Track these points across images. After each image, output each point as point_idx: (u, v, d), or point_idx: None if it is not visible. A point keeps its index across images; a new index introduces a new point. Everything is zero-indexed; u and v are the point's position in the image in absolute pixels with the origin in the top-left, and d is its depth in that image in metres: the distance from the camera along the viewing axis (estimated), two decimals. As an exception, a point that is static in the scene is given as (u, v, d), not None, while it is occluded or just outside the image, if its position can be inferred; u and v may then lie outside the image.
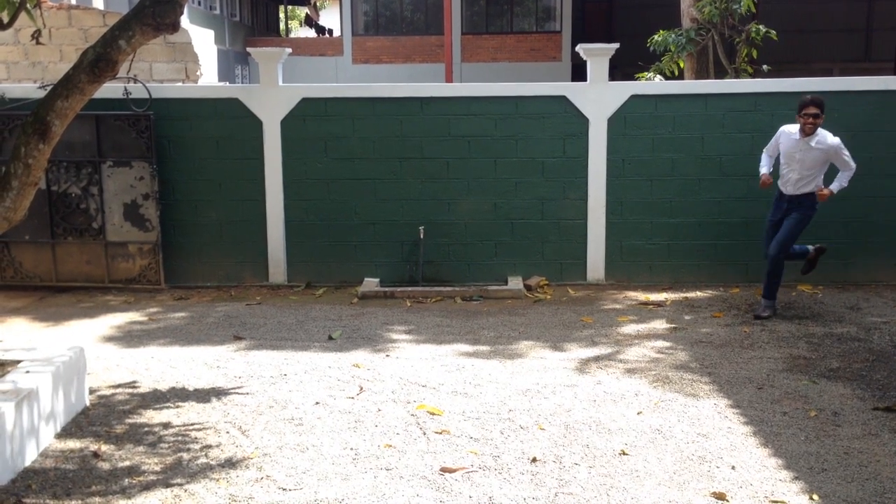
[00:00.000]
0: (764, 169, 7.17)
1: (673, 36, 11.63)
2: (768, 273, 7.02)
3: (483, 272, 8.32)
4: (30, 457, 4.31)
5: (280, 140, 8.20)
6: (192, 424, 4.84)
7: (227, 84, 15.70)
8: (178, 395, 5.33)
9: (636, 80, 11.34)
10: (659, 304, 7.57)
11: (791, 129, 6.95)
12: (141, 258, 8.19)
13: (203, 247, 8.35)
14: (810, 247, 7.23)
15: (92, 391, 5.35)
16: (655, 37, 11.78)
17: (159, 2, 4.34)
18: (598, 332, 6.71)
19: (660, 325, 6.93)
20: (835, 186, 6.91)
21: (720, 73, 11.76)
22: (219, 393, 5.37)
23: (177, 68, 11.42)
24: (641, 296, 7.84)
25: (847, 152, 6.89)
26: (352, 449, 4.49)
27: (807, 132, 6.75)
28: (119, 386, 5.53)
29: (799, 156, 6.79)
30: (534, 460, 4.33)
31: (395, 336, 6.65)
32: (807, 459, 4.32)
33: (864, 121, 8.02)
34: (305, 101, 8.21)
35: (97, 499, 3.93)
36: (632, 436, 4.64)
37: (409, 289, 8.01)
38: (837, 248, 8.17)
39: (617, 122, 8.07)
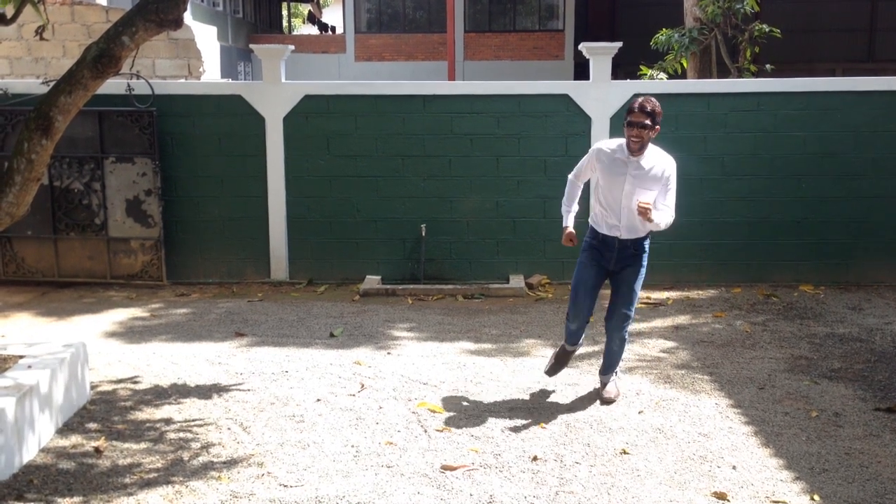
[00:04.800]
0: (569, 219, 5.10)
1: (676, 35, 11.62)
2: (614, 351, 5.19)
3: (485, 270, 8.32)
4: (31, 452, 4.31)
5: (282, 137, 8.20)
6: (193, 421, 4.84)
7: (230, 81, 15.67)
8: (180, 392, 5.33)
9: (639, 78, 11.33)
10: (660, 304, 7.57)
11: (611, 146, 4.93)
12: (143, 254, 8.19)
13: (205, 243, 8.35)
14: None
15: (93, 387, 5.35)
16: (658, 36, 11.77)
17: (163, -2, 4.34)
18: (600, 331, 6.70)
19: (661, 324, 6.92)
20: (658, 213, 4.80)
21: (723, 73, 11.74)
22: (220, 389, 5.38)
23: (179, 65, 11.41)
24: (643, 295, 7.81)
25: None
26: (353, 446, 4.49)
27: (631, 147, 4.78)
28: (120, 382, 5.53)
29: (629, 187, 4.81)
30: (535, 459, 4.33)
31: (396, 334, 6.65)
32: (808, 460, 4.31)
33: (867, 121, 8.01)
34: (308, 99, 8.20)
35: (98, 494, 3.94)
36: (633, 435, 4.64)
37: (411, 286, 8.01)
38: (840, 249, 8.17)
39: (620, 121, 8.00)
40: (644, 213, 4.67)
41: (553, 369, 5.36)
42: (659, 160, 4.86)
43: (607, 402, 5.13)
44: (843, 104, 8.01)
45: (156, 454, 4.38)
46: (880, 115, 8.01)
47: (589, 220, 5.10)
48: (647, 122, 4.69)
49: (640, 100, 4.76)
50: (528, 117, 8.14)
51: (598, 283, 5.10)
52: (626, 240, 4.94)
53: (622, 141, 4.86)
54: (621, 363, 5.34)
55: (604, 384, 5.25)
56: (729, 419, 4.86)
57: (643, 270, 5.06)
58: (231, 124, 8.22)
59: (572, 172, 5.18)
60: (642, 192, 4.77)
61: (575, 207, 5.16)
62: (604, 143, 5.04)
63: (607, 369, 5.26)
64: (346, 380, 5.55)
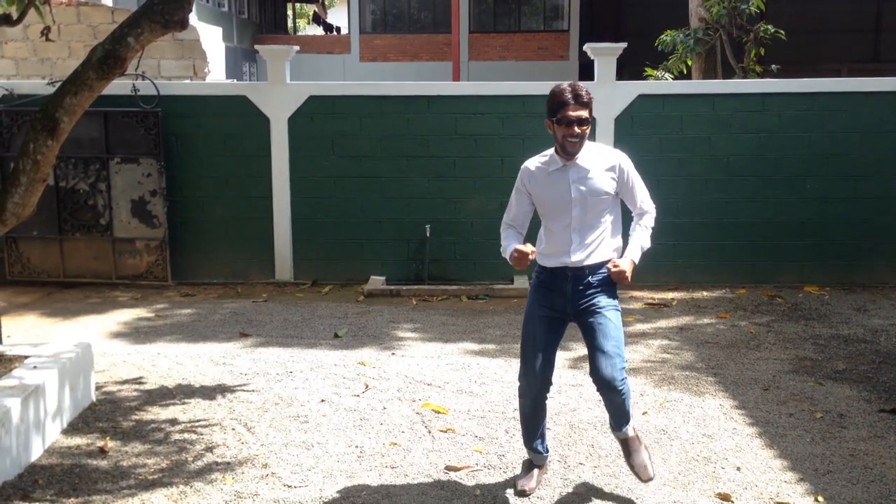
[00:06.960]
0: (511, 244, 3.92)
1: (681, 36, 11.61)
2: (618, 404, 3.82)
3: (489, 271, 8.32)
4: (36, 452, 4.33)
5: (287, 137, 8.22)
6: (197, 421, 4.85)
7: (235, 81, 15.70)
8: (185, 392, 5.35)
9: (644, 78, 11.32)
10: (665, 305, 7.56)
11: (540, 162, 4.00)
12: (148, 254, 8.21)
13: (210, 244, 8.36)
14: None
15: (98, 387, 5.37)
16: (663, 36, 11.76)
17: (168, -1, 4.34)
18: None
19: (665, 325, 6.92)
20: (634, 250, 3.89)
21: (728, 73, 11.73)
22: (225, 390, 5.39)
23: (185, 65, 11.44)
24: (647, 296, 7.82)
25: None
26: (357, 447, 4.50)
27: (569, 149, 3.79)
28: (125, 382, 5.55)
29: (577, 195, 3.80)
30: (538, 460, 4.32)
31: (400, 334, 6.66)
32: (812, 461, 4.31)
33: (873, 122, 8.00)
34: (313, 99, 8.22)
35: (103, 495, 3.95)
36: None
37: (415, 287, 8.01)
38: (845, 250, 8.16)
39: (624, 122, 8.06)
40: (620, 276, 3.71)
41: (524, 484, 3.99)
42: (600, 153, 3.88)
43: (641, 468, 3.91)
44: (849, 105, 7.99)
45: (160, 454, 4.39)
46: (885, 115, 7.99)
47: (536, 257, 3.88)
48: (587, 114, 3.72)
49: (569, 87, 3.74)
50: (532, 118, 8.13)
51: (552, 338, 3.95)
52: (581, 268, 3.79)
53: (549, 151, 3.95)
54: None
55: (623, 440, 3.95)
56: (733, 420, 4.86)
57: (616, 306, 3.86)
58: (236, 125, 8.24)
59: (504, 217, 4.10)
60: (594, 199, 3.79)
61: (516, 238, 4.00)
62: (528, 162, 4.07)
63: (619, 423, 3.91)
64: (351, 380, 5.56)
